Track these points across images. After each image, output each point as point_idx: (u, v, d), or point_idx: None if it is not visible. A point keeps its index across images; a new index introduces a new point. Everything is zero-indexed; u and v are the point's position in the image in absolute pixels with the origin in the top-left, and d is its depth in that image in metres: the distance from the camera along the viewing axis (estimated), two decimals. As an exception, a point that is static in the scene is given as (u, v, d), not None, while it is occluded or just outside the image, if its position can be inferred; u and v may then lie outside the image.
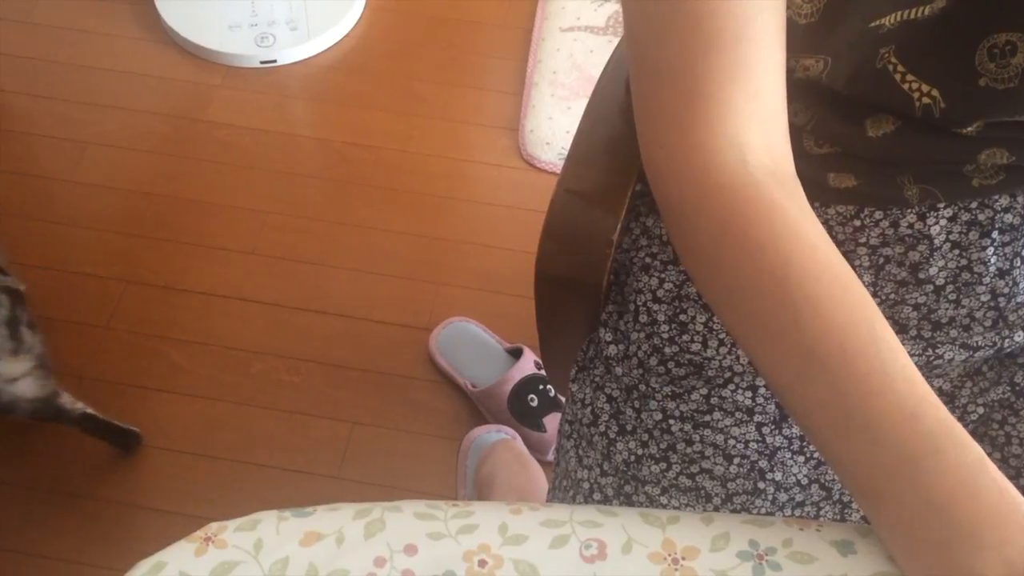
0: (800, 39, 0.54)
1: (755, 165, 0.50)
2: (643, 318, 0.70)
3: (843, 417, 0.47)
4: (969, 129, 0.55)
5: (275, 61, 1.80)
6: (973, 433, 0.71)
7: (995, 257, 0.62)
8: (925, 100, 0.54)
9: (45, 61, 1.81)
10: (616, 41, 1.84)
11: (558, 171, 1.72)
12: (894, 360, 0.47)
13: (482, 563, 0.47)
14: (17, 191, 1.64)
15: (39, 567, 1.27)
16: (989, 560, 0.42)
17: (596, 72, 1.76)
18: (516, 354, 1.43)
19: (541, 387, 1.39)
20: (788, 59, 0.55)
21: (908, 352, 0.65)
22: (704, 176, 0.50)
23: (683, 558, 0.47)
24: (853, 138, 0.58)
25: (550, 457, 1.36)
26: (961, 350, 0.66)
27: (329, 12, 1.86)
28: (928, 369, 0.68)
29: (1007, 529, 0.42)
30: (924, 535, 0.44)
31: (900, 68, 0.53)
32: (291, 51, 1.80)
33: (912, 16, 0.51)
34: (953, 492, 0.44)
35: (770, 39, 0.49)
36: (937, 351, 0.66)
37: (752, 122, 0.50)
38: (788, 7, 0.53)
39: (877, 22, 0.52)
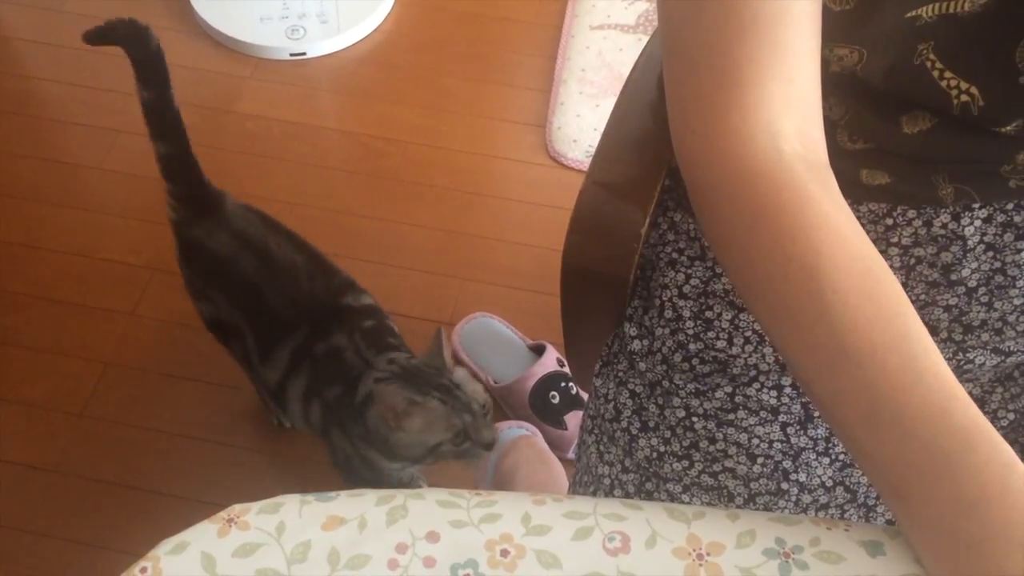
0: (835, 27, 0.53)
1: (789, 153, 0.49)
2: (668, 314, 0.70)
3: (871, 412, 0.46)
4: (1008, 128, 0.55)
5: (305, 54, 1.81)
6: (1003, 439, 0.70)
7: None
8: (963, 98, 0.53)
9: (77, 49, 1.82)
10: (646, 39, 1.83)
11: (585, 169, 1.72)
12: (925, 356, 0.46)
13: (504, 552, 0.46)
14: (48, 178, 1.66)
15: (65, 551, 1.28)
16: (1019, 559, 0.42)
17: (625, 70, 1.75)
18: (539, 351, 1.43)
19: (563, 384, 1.38)
20: (823, 49, 0.54)
21: None
22: (737, 163, 0.49)
23: (708, 554, 0.47)
24: (888, 134, 0.58)
25: (571, 455, 1.35)
26: (992, 355, 0.65)
27: (359, 6, 1.86)
28: (958, 374, 0.67)
29: None
30: (953, 533, 0.44)
31: (939, 64, 0.52)
32: (321, 44, 1.81)
33: (952, 10, 0.50)
34: (984, 490, 0.43)
35: (806, 26, 0.49)
36: (968, 355, 0.65)
37: (787, 108, 0.49)
38: None
39: (914, 12, 0.51)
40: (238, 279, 1.15)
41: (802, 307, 0.48)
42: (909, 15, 0.51)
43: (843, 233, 0.48)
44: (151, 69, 1.08)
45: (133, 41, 1.08)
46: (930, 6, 0.50)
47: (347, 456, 1.14)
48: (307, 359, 1.11)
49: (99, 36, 1.08)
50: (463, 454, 1.04)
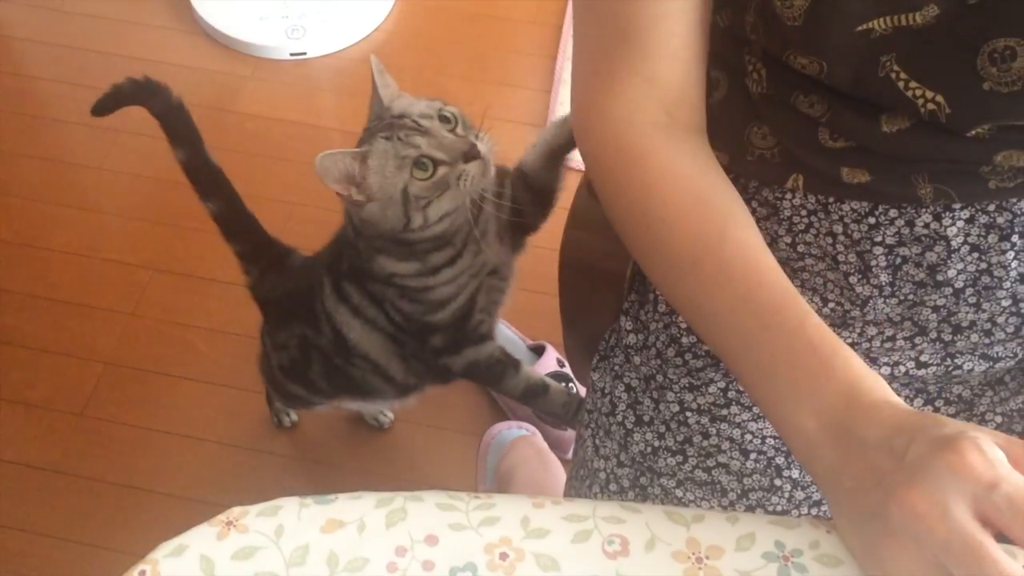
0: (790, 39, 0.56)
1: (641, 122, 0.58)
2: (661, 307, 0.70)
3: (697, 311, 0.56)
4: (978, 131, 0.55)
5: (305, 53, 1.81)
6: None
7: (1016, 262, 0.61)
8: (930, 106, 0.54)
9: (78, 49, 1.82)
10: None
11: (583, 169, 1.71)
12: (739, 256, 0.54)
13: (503, 556, 0.46)
14: (48, 177, 1.66)
15: (64, 550, 1.28)
16: (804, 412, 0.49)
17: (625, 70, 1.76)
18: (539, 351, 1.43)
19: (563, 385, 1.38)
20: (787, 54, 0.56)
21: (927, 360, 0.65)
22: (597, 135, 0.61)
23: (707, 557, 0.47)
24: (868, 133, 0.58)
25: (570, 455, 1.35)
26: (981, 361, 0.65)
27: (360, 6, 1.86)
28: (948, 379, 0.67)
29: (817, 382, 0.49)
30: (762, 404, 0.53)
31: (903, 75, 0.54)
32: (321, 44, 1.81)
33: (904, 23, 0.52)
34: (774, 359, 0.51)
35: (677, 39, 0.58)
36: (956, 361, 0.65)
37: (648, 97, 0.59)
38: (776, 8, 0.55)
39: (865, 27, 0.53)
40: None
41: (642, 239, 0.59)
42: (860, 28, 0.53)
43: (676, 172, 0.57)
44: (177, 125, 1.03)
45: (149, 99, 1.02)
46: (881, 19, 0.52)
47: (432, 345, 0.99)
48: (346, 281, 1.02)
49: (110, 102, 1.02)
50: (446, 183, 0.83)
